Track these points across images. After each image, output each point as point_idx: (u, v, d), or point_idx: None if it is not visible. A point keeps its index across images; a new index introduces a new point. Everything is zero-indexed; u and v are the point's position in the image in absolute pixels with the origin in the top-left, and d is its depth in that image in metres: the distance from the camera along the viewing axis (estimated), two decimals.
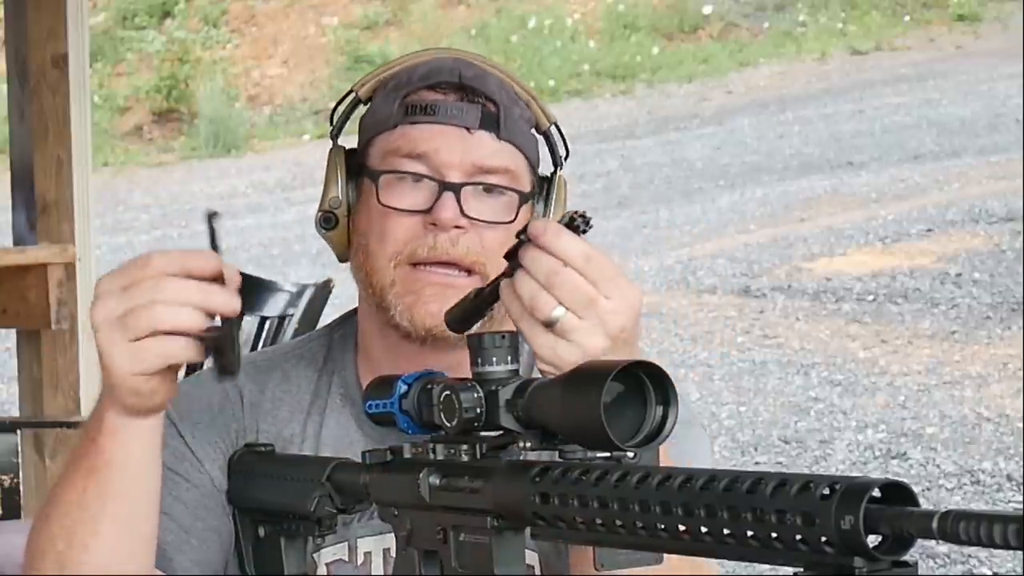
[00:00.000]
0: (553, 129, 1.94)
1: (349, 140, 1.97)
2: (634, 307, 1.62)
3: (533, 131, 1.93)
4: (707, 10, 18.34)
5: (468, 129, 1.85)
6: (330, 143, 1.95)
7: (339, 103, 1.95)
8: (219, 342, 1.56)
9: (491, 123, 1.86)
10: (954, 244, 10.16)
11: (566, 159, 1.95)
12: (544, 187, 1.92)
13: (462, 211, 1.82)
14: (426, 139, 1.85)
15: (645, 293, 9.79)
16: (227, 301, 1.55)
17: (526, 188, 1.88)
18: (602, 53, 17.72)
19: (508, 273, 1.61)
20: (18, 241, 4.80)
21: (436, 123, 1.85)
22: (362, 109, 1.97)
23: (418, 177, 1.84)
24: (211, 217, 1.55)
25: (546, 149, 1.95)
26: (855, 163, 12.93)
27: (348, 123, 1.97)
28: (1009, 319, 8.75)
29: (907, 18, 18.13)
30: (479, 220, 1.83)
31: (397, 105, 1.87)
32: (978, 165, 12.25)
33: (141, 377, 1.57)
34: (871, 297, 9.36)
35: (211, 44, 18.45)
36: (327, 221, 1.90)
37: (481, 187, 1.85)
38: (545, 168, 1.95)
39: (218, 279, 1.55)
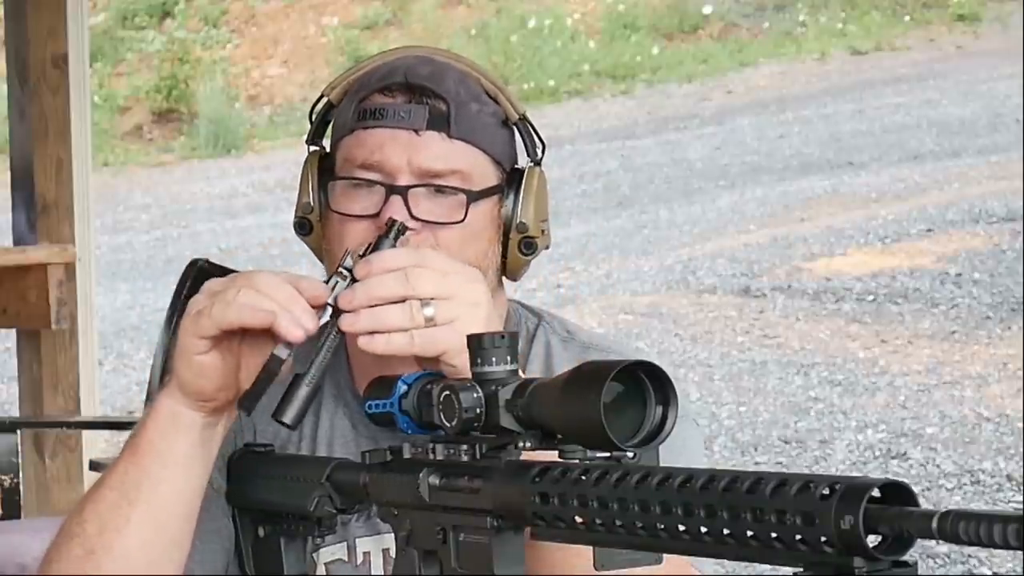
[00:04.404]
0: (524, 122, 1.94)
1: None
2: (479, 275, 1.74)
3: (507, 124, 1.92)
4: (707, 10, 18.34)
5: (416, 131, 1.86)
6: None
7: (313, 107, 1.97)
8: (263, 370, 1.67)
9: (440, 123, 1.86)
10: (954, 244, 10.16)
11: (542, 152, 1.95)
12: (517, 180, 1.92)
13: (411, 213, 1.82)
14: (376, 144, 1.86)
15: (645, 293, 9.84)
16: (300, 322, 1.65)
17: (482, 186, 1.88)
18: (602, 53, 17.71)
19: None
20: (18, 241, 4.80)
21: (385, 127, 1.86)
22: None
23: (370, 182, 1.86)
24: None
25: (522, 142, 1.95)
26: (855, 163, 12.93)
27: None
28: (1009, 319, 8.75)
29: (907, 18, 18.12)
30: (428, 221, 1.84)
31: (353, 110, 1.90)
32: (978, 165, 12.24)
33: (201, 341, 1.68)
34: (871, 297, 9.36)
35: (211, 44, 18.44)
36: (301, 227, 1.93)
37: (432, 188, 1.85)
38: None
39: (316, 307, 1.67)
